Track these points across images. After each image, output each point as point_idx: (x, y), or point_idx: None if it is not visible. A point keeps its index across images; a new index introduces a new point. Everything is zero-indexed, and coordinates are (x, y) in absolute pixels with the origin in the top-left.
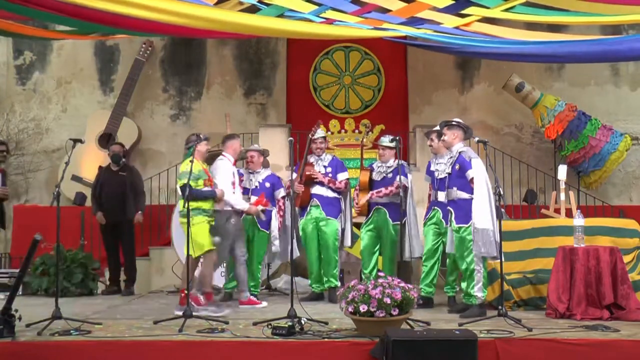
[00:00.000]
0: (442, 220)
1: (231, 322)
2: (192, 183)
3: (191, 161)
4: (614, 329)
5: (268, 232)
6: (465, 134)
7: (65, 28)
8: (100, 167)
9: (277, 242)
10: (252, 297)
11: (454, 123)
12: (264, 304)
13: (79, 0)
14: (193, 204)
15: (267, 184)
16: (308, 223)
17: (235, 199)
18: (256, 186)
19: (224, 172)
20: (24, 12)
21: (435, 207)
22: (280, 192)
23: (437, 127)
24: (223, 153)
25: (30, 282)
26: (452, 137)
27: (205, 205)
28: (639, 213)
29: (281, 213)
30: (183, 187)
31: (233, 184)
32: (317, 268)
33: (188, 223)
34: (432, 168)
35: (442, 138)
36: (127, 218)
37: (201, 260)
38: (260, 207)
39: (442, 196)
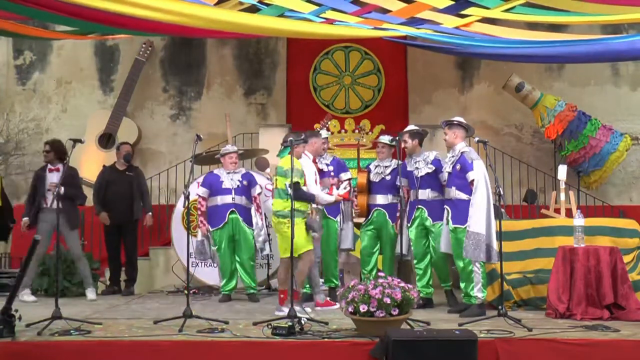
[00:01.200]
0: (428, 217)
1: (231, 322)
2: (300, 181)
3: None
4: (614, 329)
5: (253, 229)
6: (466, 132)
7: (65, 28)
8: (104, 167)
9: (260, 239)
10: (328, 299)
11: (455, 122)
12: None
13: (79, 0)
14: (289, 205)
15: (245, 182)
16: None
17: (322, 194)
18: (238, 185)
19: (308, 170)
20: (23, 12)
21: (419, 206)
22: (256, 189)
23: (409, 128)
24: (304, 152)
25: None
26: (452, 137)
27: (303, 206)
28: (639, 213)
29: (260, 210)
30: (295, 185)
31: (316, 181)
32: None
33: (293, 223)
34: (410, 168)
35: (443, 137)
36: (133, 218)
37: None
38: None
39: (424, 194)
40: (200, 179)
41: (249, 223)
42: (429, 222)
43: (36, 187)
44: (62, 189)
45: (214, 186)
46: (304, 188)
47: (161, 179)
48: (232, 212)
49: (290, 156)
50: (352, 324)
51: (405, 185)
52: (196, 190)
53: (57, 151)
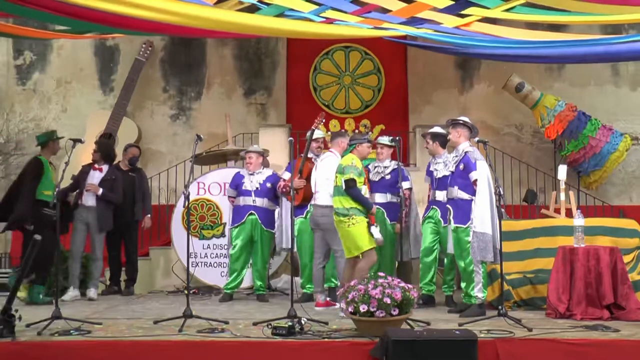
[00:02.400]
0: (441, 219)
1: (231, 322)
2: (357, 180)
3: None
4: (614, 329)
5: (273, 232)
6: (471, 132)
7: (64, 28)
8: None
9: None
10: (328, 299)
11: (460, 122)
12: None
13: (78, 0)
14: (353, 203)
15: (269, 184)
16: (306, 222)
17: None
18: (257, 187)
19: (328, 170)
20: (22, 12)
21: (434, 206)
22: None
23: (434, 129)
24: (331, 150)
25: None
26: (456, 136)
27: (360, 205)
28: (639, 213)
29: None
30: (348, 181)
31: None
32: (311, 268)
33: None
34: (431, 168)
35: (447, 137)
36: (134, 219)
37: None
38: None
39: (440, 195)
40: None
41: (270, 225)
42: (440, 223)
43: (79, 181)
44: (101, 190)
45: (239, 187)
46: (363, 188)
47: (161, 179)
48: (251, 213)
49: (350, 154)
50: (352, 324)
51: (429, 184)
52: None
53: (104, 152)
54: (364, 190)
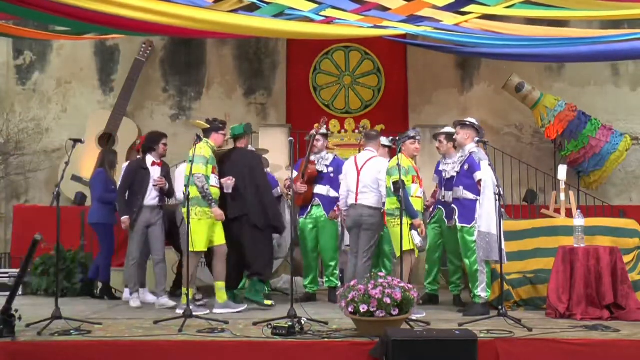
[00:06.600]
0: (444, 219)
1: (231, 322)
2: (403, 179)
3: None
4: (614, 329)
5: None
6: (478, 134)
7: (64, 29)
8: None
9: (274, 242)
10: None
11: (467, 123)
12: None
13: (76, 2)
14: (399, 205)
15: None
16: (308, 223)
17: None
18: None
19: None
20: (20, 13)
21: (439, 207)
22: (276, 192)
23: (446, 129)
24: (369, 149)
25: (30, 282)
26: (464, 137)
27: (415, 206)
28: (639, 213)
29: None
30: (395, 183)
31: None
32: (315, 269)
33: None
34: (441, 168)
35: (454, 137)
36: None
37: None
38: None
39: (447, 196)
40: None
41: None
42: (444, 223)
43: (134, 181)
44: (167, 185)
45: None
46: (413, 187)
47: None
48: None
49: (397, 155)
50: (352, 324)
51: (436, 183)
52: None
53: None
54: (414, 189)
